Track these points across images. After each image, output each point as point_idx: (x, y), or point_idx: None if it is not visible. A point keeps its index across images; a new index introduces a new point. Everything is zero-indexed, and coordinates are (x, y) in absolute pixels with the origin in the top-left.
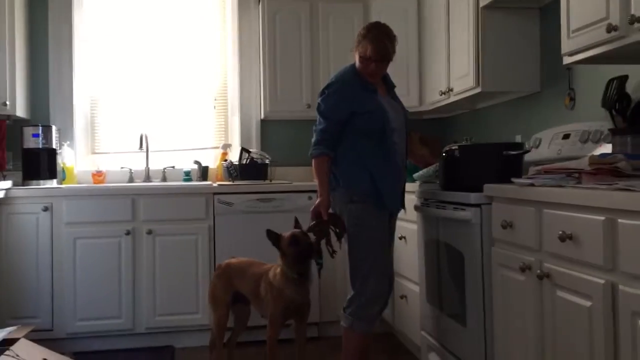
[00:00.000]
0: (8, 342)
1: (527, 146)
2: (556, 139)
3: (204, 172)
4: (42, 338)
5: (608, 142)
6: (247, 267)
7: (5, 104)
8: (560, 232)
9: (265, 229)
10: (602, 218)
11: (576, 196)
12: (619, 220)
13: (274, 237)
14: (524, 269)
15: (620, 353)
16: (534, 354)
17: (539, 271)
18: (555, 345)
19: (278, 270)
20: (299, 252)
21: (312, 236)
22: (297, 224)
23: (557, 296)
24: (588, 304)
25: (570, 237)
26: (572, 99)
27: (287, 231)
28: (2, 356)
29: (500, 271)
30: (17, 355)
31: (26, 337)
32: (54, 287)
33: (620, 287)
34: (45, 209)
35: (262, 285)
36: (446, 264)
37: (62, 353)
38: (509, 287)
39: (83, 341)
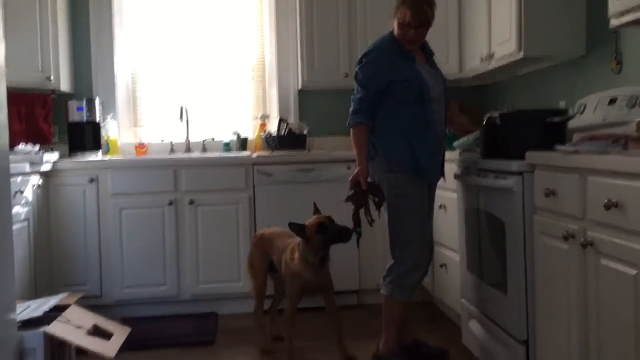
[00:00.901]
0: (60, 308)
1: (571, 112)
2: (602, 104)
3: (242, 143)
4: (92, 304)
5: None
6: (276, 238)
7: (49, 79)
8: (606, 200)
9: (289, 222)
10: None
11: (622, 163)
12: None
13: (297, 228)
14: (567, 237)
15: None
16: (576, 322)
17: (582, 239)
18: (599, 314)
19: (296, 255)
20: (328, 239)
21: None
22: (316, 210)
23: (601, 264)
24: (633, 272)
25: (616, 205)
26: (619, 63)
27: (312, 217)
28: (55, 321)
29: (543, 239)
30: (69, 321)
31: (77, 303)
32: (102, 255)
33: None
34: (91, 181)
35: (283, 261)
36: (486, 232)
37: (111, 318)
38: (551, 255)
39: (130, 307)
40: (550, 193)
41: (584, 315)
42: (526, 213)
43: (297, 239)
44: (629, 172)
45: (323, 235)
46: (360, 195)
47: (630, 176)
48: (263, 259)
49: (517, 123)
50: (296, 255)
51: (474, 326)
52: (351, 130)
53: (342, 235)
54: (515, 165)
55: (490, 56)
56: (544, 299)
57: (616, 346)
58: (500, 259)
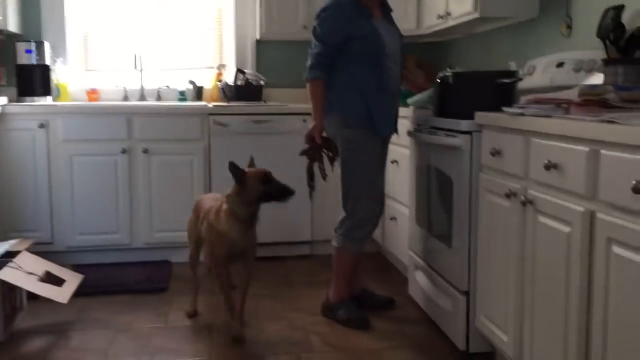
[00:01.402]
0: (10, 255)
1: (521, 73)
2: (550, 67)
3: (198, 92)
4: (43, 251)
5: (601, 72)
6: (206, 201)
7: None
8: (546, 161)
9: (229, 161)
10: (586, 149)
11: (563, 127)
12: (602, 151)
13: (236, 172)
14: (509, 195)
15: (594, 276)
16: (513, 275)
17: (523, 197)
18: (535, 267)
19: (222, 212)
20: (268, 192)
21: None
22: (252, 163)
23: (539, 222)
24: (567, 229)
25: (555, 167)
26: (569, 27)
27: (257, 166)
28: (6, 267)
29: (487, 197)
30: (20, 267)
31: (28, 250)
32: (53, 202)
33: (598, 214)
34: (42, 126)
35: (205, 224)
36: (436, 188)
37: (62, 265)
38: (494, 212)
39: (82, 254)
40: (496, 152)
41: (521, 268)
42: (473, 171)
43: (221, 201)
44: (568, 136)
45: (266, 186)
46: (315, 149)
47: (570, 139)
48: (196, 225)
49: (468, 83)
50: (222, 212)
51: (420, 277)
52: (307, 84)
53: (284, 192)
54: (464, 124)
55: (447, 14)
56: (486, 252)
57: (549, 297)
58: (447, 214)
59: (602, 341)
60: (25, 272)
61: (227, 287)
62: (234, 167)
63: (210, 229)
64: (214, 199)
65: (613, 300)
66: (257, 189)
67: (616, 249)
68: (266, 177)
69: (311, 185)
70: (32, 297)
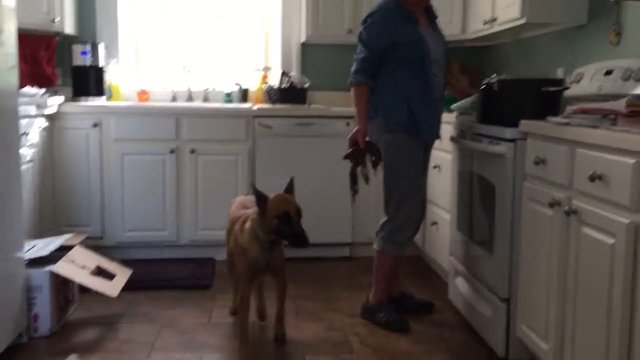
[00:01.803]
0: (65, 249)
1: (568, 80)
2: (598, 74)
3: (244, 94)
4: (94, 245)
5: None
6: (235, 210)
7: (54, 21)
8: (591, 172)
9: (253, 186)
10: (633, 161)
11: (609, 138)
12: None
13: (259, 197)
14: (553, 204)
15: (637, 288)
16: (555, 285)
17: (567, 207)
18: (577, 277)
19: (247, 225)
20: (282, 231)
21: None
22: (290, 187)
23: (583, 232)
24: (611, 241)
25: (600, 177)
26: (618, 35)
27: (280, 194)
28: (60, 261)
29: (530, 205)
30: (74, 261)
31: (80, 244)
32: (104, 199)
33: None
34: (95, 125)
35: (232, 236)
36: (478, 194)
37: (112, 259)
38: (536, 220)
39: (130, 250)
40: (540, 161)
41: (563, 278)
42: (516, 179)
43: (252, 210)
44: (614, 147)
45: (281, 224)
46: (358, 153)
47: (615, 151)
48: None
49: (513, 90)
50: (247, 225)
51: (460, 283)
52: (352, 89)
53: (297, 239)
54: (508, 132)
55: (493, 20)
56: (527, 260)
57: (591, 308)
58: (488, 221)
59: None
60: (78, 266)
61: (247, 308)
62: (257, 192)
63: (235, 241)
64: (243, 206)
65: None
66: (273, 223)
67: None
68: (286, 216)
69: (354, 189)
70: (84, 290)
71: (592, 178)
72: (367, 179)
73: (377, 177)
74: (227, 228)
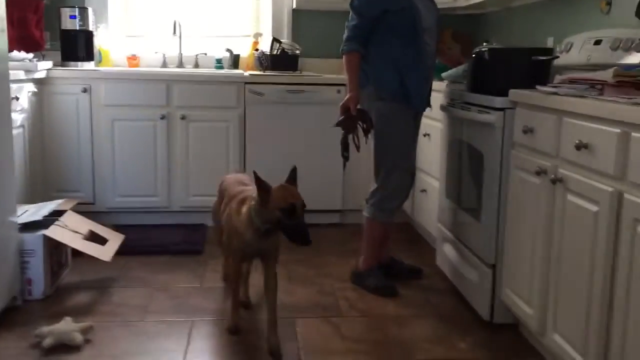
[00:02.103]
0: (57, 214)
1: (558, 49)
2: (587, 44)
3: (235, 60)
4: (85, 210)
5: (638, 52)
6: (232, 184)
7: None
8: (577, 141)
9: (253, 170)
10: (618, 131)
11: (595, 108)
12: (633, 133)
13: (261, 186)
14: (540, 172)
15: (619, 254)
16: (540, 251)
17: (553, 176)
18: (561, 244)
19: (244, 209)
20: (284, 225)
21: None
22: (292, 176)
23: (568, 200)
24: (595, 208)
25: (586, 146)
26: (609, 4)
27: (283, 184)
28: (53, 226)
29: (517, 173)
30: (66, 226)
31: (72, 209)
32: (95, 164)
33: (626, 195)
34: (85, 91)
35: (226, 212)
36: (467, 162)
37: (103, 224)
38: (523, 188)
39: (122, 215)
40: (528, 130)
41: (547, 244)
42: (504, 147)
43: (251, 190)
44: (600, 117)
45: (285, 217)
46: (350, 121)
47: (601, 120)
48: (220, 205)
49: (504, 59)
50: (244, 209)
51: (448, 249)
52: (344, 57)
53: (299, 236)
54: (498, 101)
55: None
56: (514, 228)
57: (573, 273)
58: (476, 189)
59: (624, 317)
60: (71, 231)
61: (237, 280)
62: (259, 180)
63: (229, 220)
64: (239, 183)
65: (636, 279)
66: (275, 215)
67: None
68: (291, 208)
69: (345, 156)
70: (77, 254)
71: (578, 147)
72: (358, 147)
73: (368, 144)
74: (217, 200)
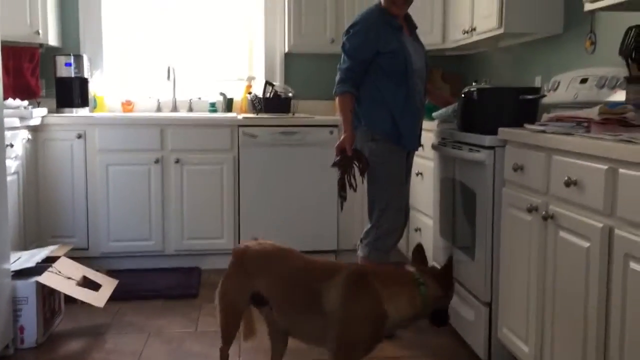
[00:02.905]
0: (50, 260)
1: (546, 88)
2: (574, 82)
3: (229, 103)
4: (79, 256)
5: (623, 89)
6: (279, 261)
7: (38, 32)
8: (566, 178)
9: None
10: (605, 167)
11: (583, 145)
12: (620, 170)
13: (447, 273)
14: (531, 209)
15: (612, 290)
16: (535, 287)
17: (544, 212)
18: (555, 281)
19: (389, 292)
20: (442, 311)
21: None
22: (418, 257)
23: (560, 236)
24: (587, 244)
25: (575, 183)
26: (593, 43)
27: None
28: (46, 272)
29: (509, 210)
30: (60, 272)
31: (66, 255)
32: (89, 210)
33: (616, 231)
34: (79, 137)
35: (334, 292)
36: (460, 201)
37: (97, 270)
38: (516, 225)
39: (116, 260)
40: (518, 168)
41: (541, 281)
42: (496, 185)
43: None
44: (588, 154)
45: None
46: (346, 161)
47: (589, 157)
48: (243, 289)
49: (492, 99)
50: (388, 292)
51: None
52: (337, 99)
53: (445, 314)
54: (488, 140)
55: (473, 29)
56: (508, 265)
57: (568, 310)
58: (470, 227)
59: (619, 353)
60: (64, 277)
61: None
62: (448, 268)
63: (357, 303)
64: (293, 257)
65: (630, 314)
66: (447, 301)
67: (633, 265)
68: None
69: (343, 196)
70: (70, 300)
71: (568, 184)
72: (355, 187)
73: (364, 184)
74: (230, 275)
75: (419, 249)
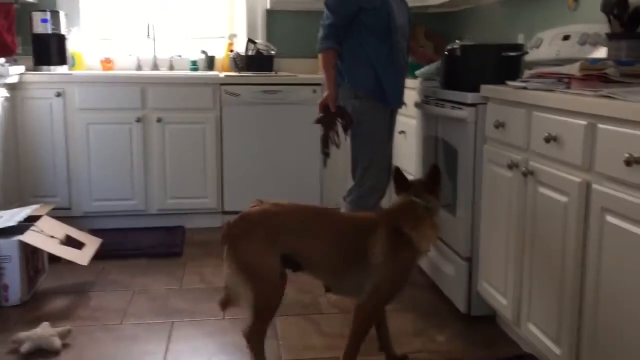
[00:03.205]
0: (32, 219)
1: (528, 45)
2: (556, 39)
3: (210, 62)
4: (61, 215)
5: (605, 46)
6: (313, 220)
7: None
8: (546, 134)
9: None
10: (584, 122)
11: (562, 101)
12: (599, 125)
13: (435, 179)
14: (512, 166)
15: (588, 243)
16: (514, 243)
17: (524, 168)
18: (534, 235)
19: (419, 213)
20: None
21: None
22: (435, 173)
23: (539, 192)
24: (565, 199)
25: (555, 139)
26: (576, 0)
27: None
28: (29, 231)
29: (490, 167)
30: (42, 231)
31: (48, 214)
32: (70, 169)
33: (594, 185)
34: (58, 95)
35: (378, 246)
36: (442, 159)
37: (80, 229)
38: (496, 182)
39: (99, 220)
40: (499, 125)
41: (520, 236)
42: (477, 142)
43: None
44: (567, 110)
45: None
46: (329, 118)
47: (569, 113)
48: (274, 252)
49: (475, 56)
50: (419, 213)
51: None
52: (320, 55)
53: None
54: (470, 97)
55: None
56: (488, 221)
57: (546, 263)
58: (452, 184)
59: (594, 302)
60: (47, 236)
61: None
62: (434, 175)
63: (399, 254)
64: (323, 213)
65: (605, 265)
66: (438, 207)
67: (609, 218)
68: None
69: (326, 153)
70: (54, 259)
71: (547, 139)
72: (338, 144)
73: (347, 141)
74: (235, 248)
75: (399, 174)
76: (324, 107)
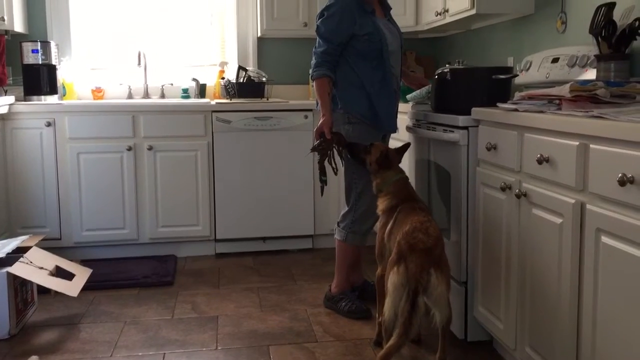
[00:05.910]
0: (22, 250)
1: (518, 68)
2: (545, 62)
3: (201, 89)
4: (52, 246)
5: (594, 67)
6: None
7: (2, 19)
8: (539, 155)
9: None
10: (576, 143)
11: (554, 122)
12: (591, 145)
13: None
14: (505, 188)
15: (584, 264)
16: (509, 264)
17: (517, 190)
18: (529, 257)
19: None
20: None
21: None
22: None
23: (533, 213)
24: (559, 220)
25: (547, 160)
26: (564, 23)
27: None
28: (18, 262)
29: (483, 190)
30: (31, 262)
31: (37, 245)
32: (60, 199)
33: (588, 206)
34: (48, 124)
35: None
36: (435, 182)
37: (71, 260)
38: (490, 204)
39: (90, 250)
40: (491, 147)
41: (516, 259)
42: (470, 165)
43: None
44: (559, 131)
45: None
46: (325, 144)
47: (561, 134)
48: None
49: (465, 79)
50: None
51: None
52: (315, 82)
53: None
54: (461, 120)
55: (445, 11)
56: (483, 244)
57: (542, 286)
58: (445, 207)
59: (592, 325)
60: (36, 267)
61: None
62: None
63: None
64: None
65: (602, 287)
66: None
67: (605, 239)
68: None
69: (323, 180)
70: (43, 291)
71: (540, 161)
72: (335, 170)
73: (344, 167)
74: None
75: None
76: (320, 133)
